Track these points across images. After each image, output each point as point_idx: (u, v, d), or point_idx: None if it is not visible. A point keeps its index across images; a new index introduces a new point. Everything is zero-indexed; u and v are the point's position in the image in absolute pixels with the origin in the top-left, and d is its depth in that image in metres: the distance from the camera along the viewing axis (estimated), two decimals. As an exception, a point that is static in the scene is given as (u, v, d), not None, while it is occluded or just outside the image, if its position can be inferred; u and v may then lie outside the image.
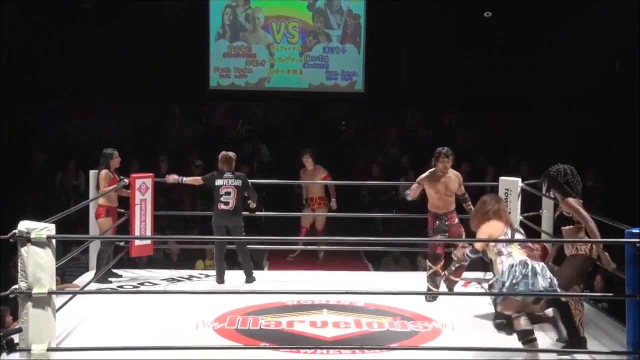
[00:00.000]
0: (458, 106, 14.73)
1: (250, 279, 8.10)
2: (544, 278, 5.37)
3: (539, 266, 5.42)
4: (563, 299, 5.76)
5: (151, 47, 14.28)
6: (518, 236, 5.62)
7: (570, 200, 5.88)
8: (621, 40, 13.39)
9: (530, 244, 5.63)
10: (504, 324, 5.57)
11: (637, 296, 5.28)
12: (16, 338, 5.34)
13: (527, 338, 5.45)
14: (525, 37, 14.21)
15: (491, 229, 5.62)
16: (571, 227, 5.94)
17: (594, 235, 5.75)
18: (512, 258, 5.46)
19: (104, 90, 14.00)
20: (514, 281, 5.36)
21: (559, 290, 5.49)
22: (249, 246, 8.43)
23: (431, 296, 7.30)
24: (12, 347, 5.15)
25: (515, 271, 5.39)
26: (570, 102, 14.01)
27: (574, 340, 5.77)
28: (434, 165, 7.53)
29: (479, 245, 5.70)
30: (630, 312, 5.38)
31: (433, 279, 7.48)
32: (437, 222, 7.47)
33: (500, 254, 5.52)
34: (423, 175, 7.56)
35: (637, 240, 5.29)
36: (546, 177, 6.13)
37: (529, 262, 5.41)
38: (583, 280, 5.99)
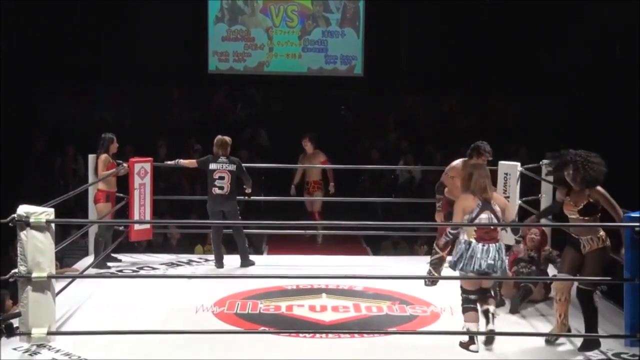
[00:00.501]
0: (457, 90, 14.68)
1: (245, 263, 8.08)
2: (484, 260, 5.59)
3: (483, 248, 5.62)
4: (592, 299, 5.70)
5: (150, 30, 14.23)
6: (484, 215, 5.68)
7: (600, 188, 5.64)
8: (621, 24, 13.34)
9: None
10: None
11: (635, 279, 5.29)
12: (15, 322, 5.35)
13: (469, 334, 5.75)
14: (526, 21, 14.16)
15: (463, 202, 5.77)
16: (592, 217, 5.67)
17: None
18: (463, 235, 5.73)
19: (102, 74, 13.96)
20: (455, 258, 5.75)
21: (501, 271, 5.67)
22: (247, 230, 8.44)
23: (430, 280, 7.30)
24: (11, 332, 5.16)
25: (460, 249, 5.71)
26: (570, 86, 13.97)
27: (590, 340, 5.68)
28: (470, 157, 7.16)
29: (455, 218, 5.83)
30: (628, 296, 5.39)
31: (436, 265, 7.47)
32: (450, 209, 7.40)
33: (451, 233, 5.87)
34: (455, 166, 7.19)
35: (636, 224, 5.29)
36: (572, 163, 5.66)
37: (473, 243, 5.62)
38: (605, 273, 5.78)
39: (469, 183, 5.79)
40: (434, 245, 7.56)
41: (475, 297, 5.78)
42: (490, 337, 5.73)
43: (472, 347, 5.73)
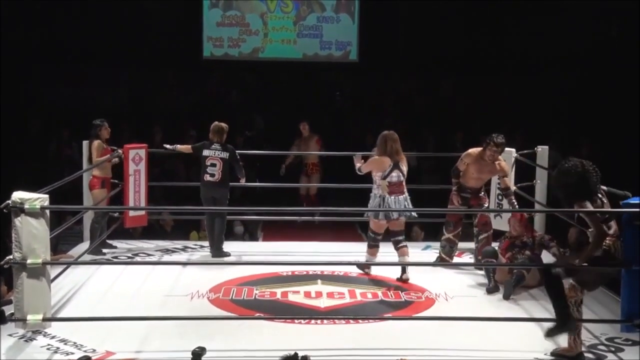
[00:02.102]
0: (454, 75, 14.66)
1: (217, 253, 7.86)
2: (393, 213, 6.96)
3: (395, 199, 6.93)
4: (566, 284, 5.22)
5: (145, 15, 14.16)
6: (395, 173, 6.93)
7: (584, 202, 5.10)
8: (618, 4, 13.32)
9: (401, 181, 6.97)
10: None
11: (632, 265, 5.28)
12: (9, 309, 5.35)
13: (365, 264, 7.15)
14: (521, 3, 14.12)
15: (377, 161, 7.00)
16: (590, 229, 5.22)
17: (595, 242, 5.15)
18: (377, 190, 7.00)
19: (97, 57, 13.92)
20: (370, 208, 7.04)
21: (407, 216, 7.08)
22: (244, 217, 8.38)
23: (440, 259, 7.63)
24: (3, 319, 5.14)
25: (377, 202, 7.00)
26: (567, 68, 13.93)
27: (564, 323, 5.23)
28: (483, 148, 7.39)
29: (364, 168, 7.12)
30: (625, 282, 5.38)
31: (448, 250, 7.63)
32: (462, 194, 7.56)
33: (375, 181, 7.03)
34: (471, 153, 7.46)
35: (632, 210, 5.29)
36: (557, 177, 5.24)
37: (386, 197, 6.94)
38: (605, 279, 5.51)
39: (385, 147, 6.98)
40: (443, 230, 7.64)
41: (380, 238, 7.14)
42: (404, 270, 7.04)
43: (366, 270, 7.23)
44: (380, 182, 6.97)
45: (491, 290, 6.79)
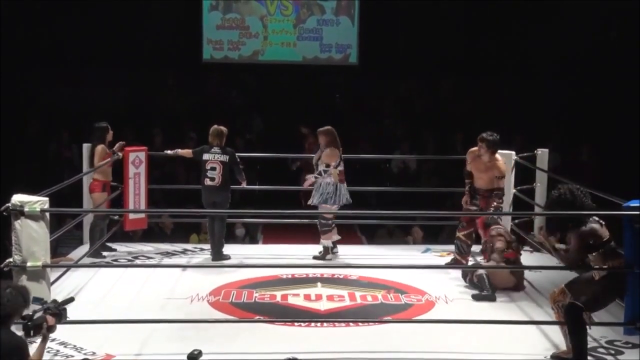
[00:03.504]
0: (453, 75, 14.67)
1: (217, 257, 7.82)
2: (345, 196, 7.80)
3: (343, 186, 7.79)
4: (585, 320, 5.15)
5: (145, 17, 14.18)
6: (342, 163, 7.81)
7: (582, 228, 5.13)
8: (616, 8, 13.33)
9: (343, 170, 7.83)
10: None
11: (634, 268, 5.28)
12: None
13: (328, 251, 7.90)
14: (521, 5, 14.15)
15: (332, 154, 7.77)
16: (597, 253, 5.19)
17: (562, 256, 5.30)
18: (328, 178, 7.76)
19: (97, 58, 13.94)
20: (325, 196, 7.74)
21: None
22: (244, 219, 8.35)
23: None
24: (65, 316, 4.97)
25: (330, 190, 7.74)
26: (567, 69, 13.94)
27: None
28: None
29: (325, 160, 7.77)
30: (627, 285, 5.38)
31: (456, 244, 7.64)
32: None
33: (325, 171, 7.78)
34: (470, 150, 7.58)
35: (634, 212, 5.28)
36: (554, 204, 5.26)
37: (338, 184, 7.77)
38: (608, 301, 5.39)
39: (334, 140, 7.82)
40: (457, 232, 7.62)
41: (332, 223, 7.86)
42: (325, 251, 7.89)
43: (327, 256, 7.85)
44: (333, 171, 7.77)
45: (489, 297, 6.74)
